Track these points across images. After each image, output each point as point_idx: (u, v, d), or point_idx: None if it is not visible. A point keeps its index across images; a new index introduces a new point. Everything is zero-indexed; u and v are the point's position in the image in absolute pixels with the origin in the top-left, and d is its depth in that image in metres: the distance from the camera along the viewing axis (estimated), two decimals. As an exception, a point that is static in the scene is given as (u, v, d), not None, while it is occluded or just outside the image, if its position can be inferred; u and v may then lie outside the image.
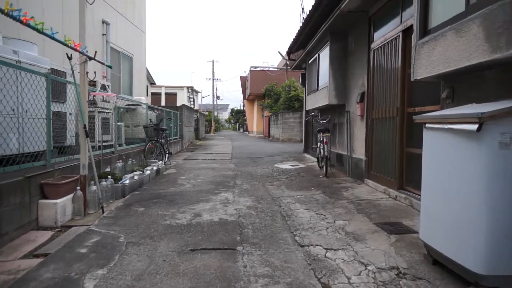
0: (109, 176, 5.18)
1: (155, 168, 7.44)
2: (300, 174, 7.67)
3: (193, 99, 57.31)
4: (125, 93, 11.62)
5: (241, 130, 55.30)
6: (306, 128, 12.02)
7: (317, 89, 8.77)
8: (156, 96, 39.92)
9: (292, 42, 10.36)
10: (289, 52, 11.49)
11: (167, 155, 9.75)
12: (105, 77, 10.18)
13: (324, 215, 4.25)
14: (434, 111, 4.14)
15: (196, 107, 57.37)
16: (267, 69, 30.17)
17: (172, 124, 13.37)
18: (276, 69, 30.96)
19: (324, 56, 7.93)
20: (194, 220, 4.03)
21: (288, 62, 22.68)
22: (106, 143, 6.80)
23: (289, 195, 5.51)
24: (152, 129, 8.90)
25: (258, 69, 30.20)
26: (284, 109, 20.66)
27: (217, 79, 60.39)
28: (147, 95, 30.40)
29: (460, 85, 3.48)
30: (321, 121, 8.36)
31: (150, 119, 9.49)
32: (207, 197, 5.32)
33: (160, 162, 8.25)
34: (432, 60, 3.32)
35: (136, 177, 6.04)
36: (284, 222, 3.99)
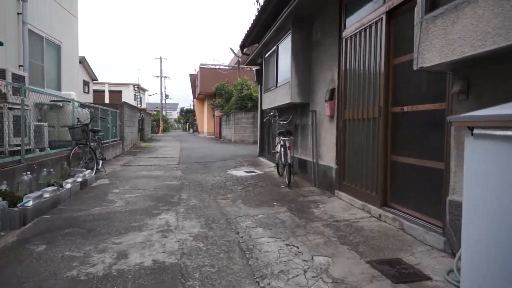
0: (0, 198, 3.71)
1: (79, 179, 5.96)
2: (258, 184, 6.61)
3: (140, 98, 54.12)
4: (51, 87, 9.79)
5: (191, 130, 53.35)
6: (262, 129, 11.03)
7: (276, 86, 7.78)
8: (99, 94, 36.92)
9: (246, 34, 9.29)
10: (242, 46, 10.41)
11: (100, 161, 8.22)
12: (21, 66, 8.38)
13: (297, 248, 3.20)
14: (433, 110, 3.28)
15: (144, 106, 54.38)
16: (218, 67, 28.87)
17: (110, 124, 11.69)
18: (227, 67, 29.78)
19: (285, 47, 6.95)
20: (116, 267, 2.77)
21: (240, 59, 21.67)
22: (22, 147, 5.22)
23: (247, 214, 4.41)
24: (80, 130, 7.33)
25: (209, 66, 28.79)
26: (236, 109, 19.59)
27: (166, 77, 57.83)
28: (87, 92, 27.76)
29: (480, 75, 2.61)
30: (281, 122, 7.38)
31: (77, 118, 7.88)
32: (141, 221, 4.04)
33: (89, 171, 6.73)
34: (451, 39, 2.40)
35: (47, 195, 4.57)
36: (245, 262, 2.89)
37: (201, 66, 28.24)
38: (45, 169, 5.64)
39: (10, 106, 5.43)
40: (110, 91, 40.40)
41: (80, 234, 3.58)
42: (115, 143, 11.89)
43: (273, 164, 8.85)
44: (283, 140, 6.58)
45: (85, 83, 37.46)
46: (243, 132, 19.17)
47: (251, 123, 18.84)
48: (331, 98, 5.38)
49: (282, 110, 8.26)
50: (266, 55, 8.97)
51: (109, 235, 3.55)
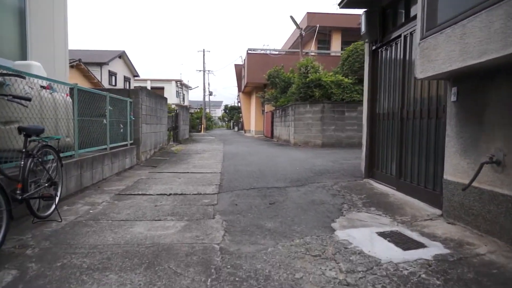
0: None
1: None
2: None
3: (183, 94, 50.94)
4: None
5: (236, 128, 49.27)
6: (373, 127, 5.93)
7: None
8: (140, 90, 33.44)
9: None
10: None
11: (53, 198, 3.70)
12: None
13: None
14: None
15: (186, 103, 51.10)
16: (269, 51, 23.99)
17: (110, 119, 7.26)
18: (281, 52, 24.75)
19: None
20: None
21: (303, 33, 16.64)
22: None
23: None
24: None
25: (258, 52, 24.00)
26: (298, 99, 14.57)
27: (209, 71, 54.21)
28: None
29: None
30: None
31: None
32: None
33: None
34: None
35: None
36: None
37: (249, 51, 23.52)
38: None
39: None
40: (152, 88, 37.26)
41: None
42: (122, 150, 7.43)
43: (426, 208, 3.80)
44: None
45: (126, 79, 34.56)
46: (308, 131, 14.13)
47: (319, 118, 13.75)
48: None
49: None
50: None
51: None
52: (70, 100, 5.22)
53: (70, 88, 5.52)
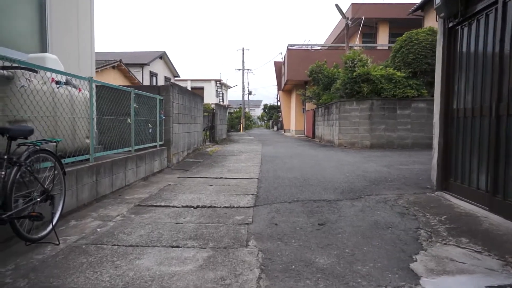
0: None
1: None
2: None
3: (222, 94, 50.83)
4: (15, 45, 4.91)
5: (275, 128, 48.31)
6: (447, 126, 4.70)
7: None
8: (181, 91, 33.66)
9: None
10: None
11: (56, 214, 2.99)
12: None
13: None
14: None
15: (226, 103, 50.89)
16: (310, 47, 22.74)
17: (141, 117, 6.61)
18: (323, 47, 23.44)
19: None
20: None
21: (349, 23, 15.33)
22: None
23: None
24: None
25: (299, 47, 22.82)
26: (344, 96, 13.31)
27: (248, 70, 53.69)
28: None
29: None
30: None
31: None
32: None
33: None
34: None
35: None
36: None
37: (289, 47, 22.40)
38: None
39: None
40: (192, 88, 37.36)
41: None
42: (150, 152, 6.74)
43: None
44: None
45: (167, 80, 34.79)
46: (354, 131, 12.84)
47: (367, 117, 12.42)
48: None
49: None
50: None
51: None
52: (86, 94, 4.54)
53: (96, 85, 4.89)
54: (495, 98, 3.60)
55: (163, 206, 4.42)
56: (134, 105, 6.24)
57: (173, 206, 4.41)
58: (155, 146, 7.30)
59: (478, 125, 3.96)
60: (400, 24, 21.22)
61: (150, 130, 7.20)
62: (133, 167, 5.91)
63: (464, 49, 4.25)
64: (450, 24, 4.45)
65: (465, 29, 4.26)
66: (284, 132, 33.06)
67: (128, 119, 6.11)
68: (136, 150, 6.25)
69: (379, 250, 2.91)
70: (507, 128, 3.44)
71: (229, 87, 55.28)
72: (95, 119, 4.88)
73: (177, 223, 3.69)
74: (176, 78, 38.78)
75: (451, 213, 3.87)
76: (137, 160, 6.06)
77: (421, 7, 18.45)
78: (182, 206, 4.41)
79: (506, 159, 3.46)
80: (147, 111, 7.02)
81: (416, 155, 9.86)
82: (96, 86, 5.90)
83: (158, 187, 5.70)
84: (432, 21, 15.94)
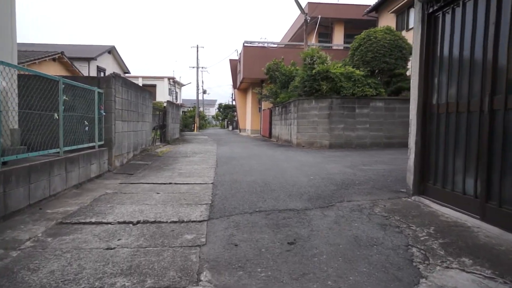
0: None
1: None
2: None
3: (176, 92, 48.91)
4: None
5: (230, 127, 47.41)
6: (425, 125, 4.25)
7: None
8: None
9: None
10: None
11: None
12: None
13: None
14: None
15: (179, 102, 49.02)
16: (267, 44, 22.22)
17: (74, 113, 5.54)
18: (279, 45, 23.04)
19: None
20: None
21: (308, 19, 14.96)
22: None
23: None
24: None
25: (255, 45, 22.20)
26: (302, 94, 12.86)
27: (202, 67, 52.41)
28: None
29: None
30: None
31: None
32: None
33: None
34: None
35: None
36: None
37: (245, 44, 21.70)
38: None
39: None
40: (143, 85, 35.36)
41: None
42: (86, 154, 5.67)
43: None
44: None
45: (115, 75, 32.79)
46: (313, 131, 12.43)
47: (327, 116, 12.06)
48: None
49: None
50: None
51: None
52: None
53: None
54: (488, 91, 3.14)
55: (93, 223, 3.49)
56: (64, 97, 5.16)
57: (106, 223, 3.50)
58: (93, 147, 6.23)
59: (465, 122, 3.50)
60: (355, 24, 21.45)
61: (87, 128, 6.11)
62: (61, 173, 4.85)
63: (447, 37, 3.79)
64: (430, 10, 3.98)
65: (448, 15, 3.80)
66: (240, 131, 32.38)
67: (56, 114, 5.03)
68: (67, 152, 5.18)
69: (369, 279, 2.28)
70: (505, 125, 2.97)
71: (183, 85, 53.48)
72: (4, 112, 3.81)
73: (107, 249, 2.81)
74: (126, 74, 36.49)
75: (437, 222, 3.36)
76: (67, 164, 4.99)
77: (376, 8, 18.72)
78: (119, 223, 3.51)
79: (502, 161, 3.00)
80: (83, 106, 5.94)
81: (377, 155, 9.60)
82: (19, 75, 4.80)
83: (93, 197, 4.70)
84: (386, 23, 16.11)
